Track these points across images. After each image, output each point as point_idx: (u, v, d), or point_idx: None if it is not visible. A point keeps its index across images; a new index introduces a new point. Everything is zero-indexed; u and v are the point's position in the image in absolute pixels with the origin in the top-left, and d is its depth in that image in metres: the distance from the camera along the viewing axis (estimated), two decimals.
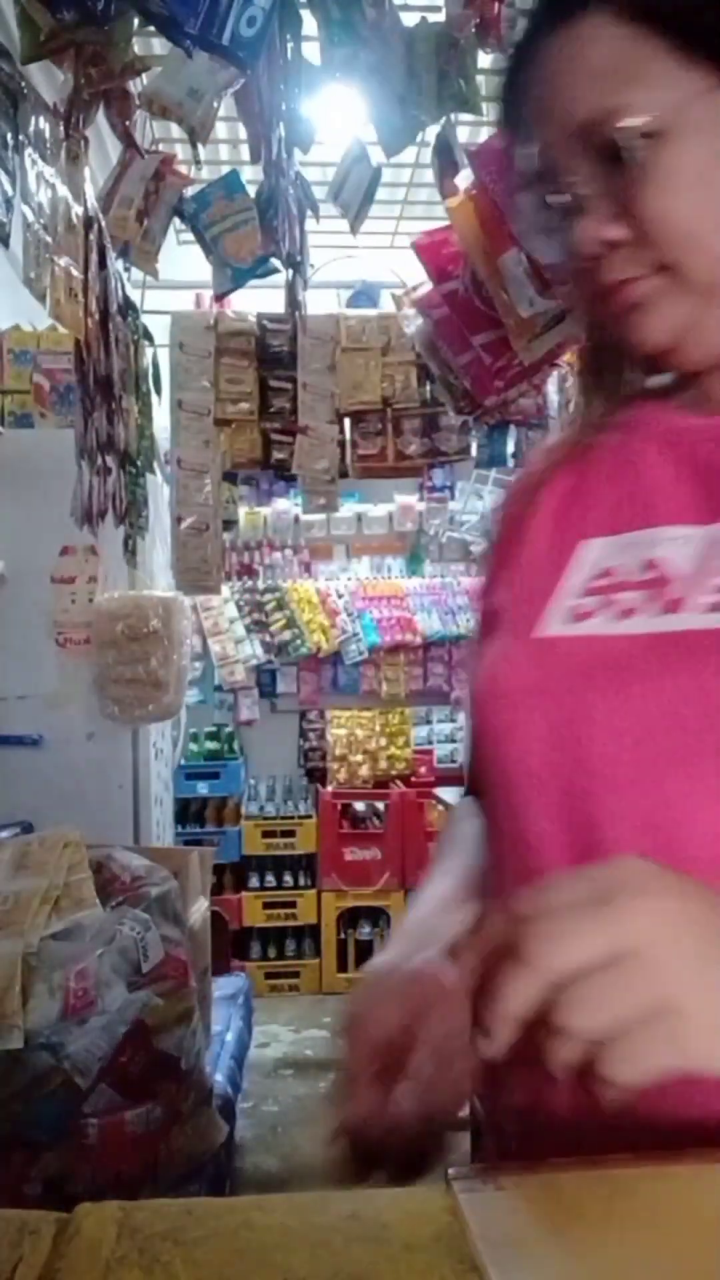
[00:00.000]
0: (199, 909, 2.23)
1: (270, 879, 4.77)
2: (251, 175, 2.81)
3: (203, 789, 4.90)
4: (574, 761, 0.60)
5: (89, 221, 2.32)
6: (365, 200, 2.66)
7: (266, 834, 4.76)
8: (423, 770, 5.01)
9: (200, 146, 2.30)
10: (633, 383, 0.73)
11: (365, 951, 4.60)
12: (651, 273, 0.61)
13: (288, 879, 4.78)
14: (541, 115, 0.62)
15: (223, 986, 2.84)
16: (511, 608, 0.69)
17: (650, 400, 0.72)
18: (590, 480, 0.71)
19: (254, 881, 4.76)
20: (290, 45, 2.08)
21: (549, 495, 0.72)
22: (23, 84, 1.85)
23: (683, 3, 0.60)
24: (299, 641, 5.09)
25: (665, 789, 0.57)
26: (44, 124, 1.96)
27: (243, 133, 2.61)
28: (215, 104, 2.19)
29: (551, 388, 3.62)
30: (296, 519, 5.17)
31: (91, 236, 2.34)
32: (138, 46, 2.11)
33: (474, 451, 4.03)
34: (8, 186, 1.76)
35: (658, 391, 0.72)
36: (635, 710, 0.59)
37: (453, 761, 5.08)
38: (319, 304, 3.83)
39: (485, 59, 2.41)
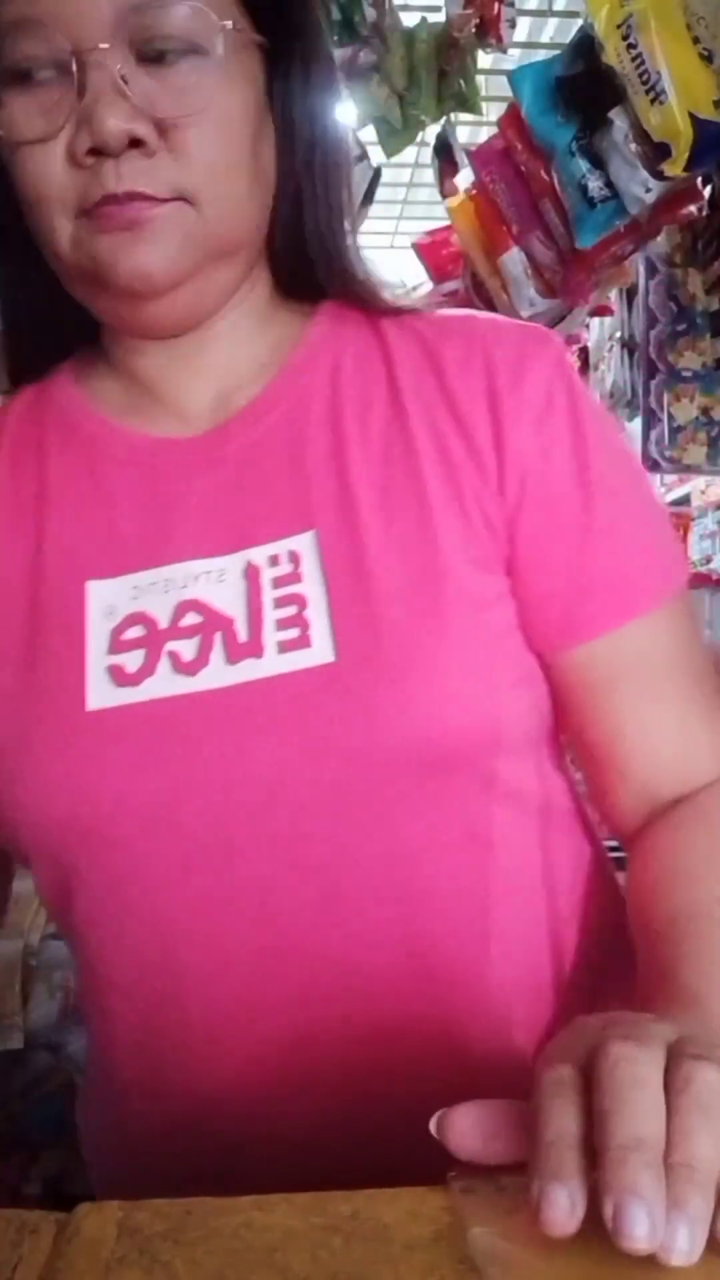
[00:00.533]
0: None
1: None
2: None
3: None
4: (207, 827, 0.55)
5: None
6: (365, 200, 2.67)
7: None
8: None
9: None
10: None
11: None
12: (168, 195, 0.54)
13: None
14: None
15: None
16: (19, 668, 0.59)
17: (70, 390, 0.65)
18: (51, 506, 0.62)
19: None
20: None
21: None
22: None
23: None
24: None
25: (319, 839, 0.55)
26: None
27: None
28: None
29: None
30: None
31: None
32: None
33: None
34: None
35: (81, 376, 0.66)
36: (257, 768, 0.55)
37: None
38: None
39: (485, 59, 2.42)
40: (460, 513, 0.58)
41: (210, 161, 0.55)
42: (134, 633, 0.58)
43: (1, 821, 0.60)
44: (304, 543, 0.58)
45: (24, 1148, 1.50)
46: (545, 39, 3.21)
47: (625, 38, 1.41)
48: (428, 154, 2.58)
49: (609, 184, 1.56)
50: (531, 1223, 0.36)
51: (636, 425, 2.54)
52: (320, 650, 0.55)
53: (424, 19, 2.28)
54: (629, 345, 2.60)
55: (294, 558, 0.58)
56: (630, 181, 1.51)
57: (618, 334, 2.69)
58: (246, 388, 0.62)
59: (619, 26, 1.42)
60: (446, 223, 2.43)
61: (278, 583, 0.58)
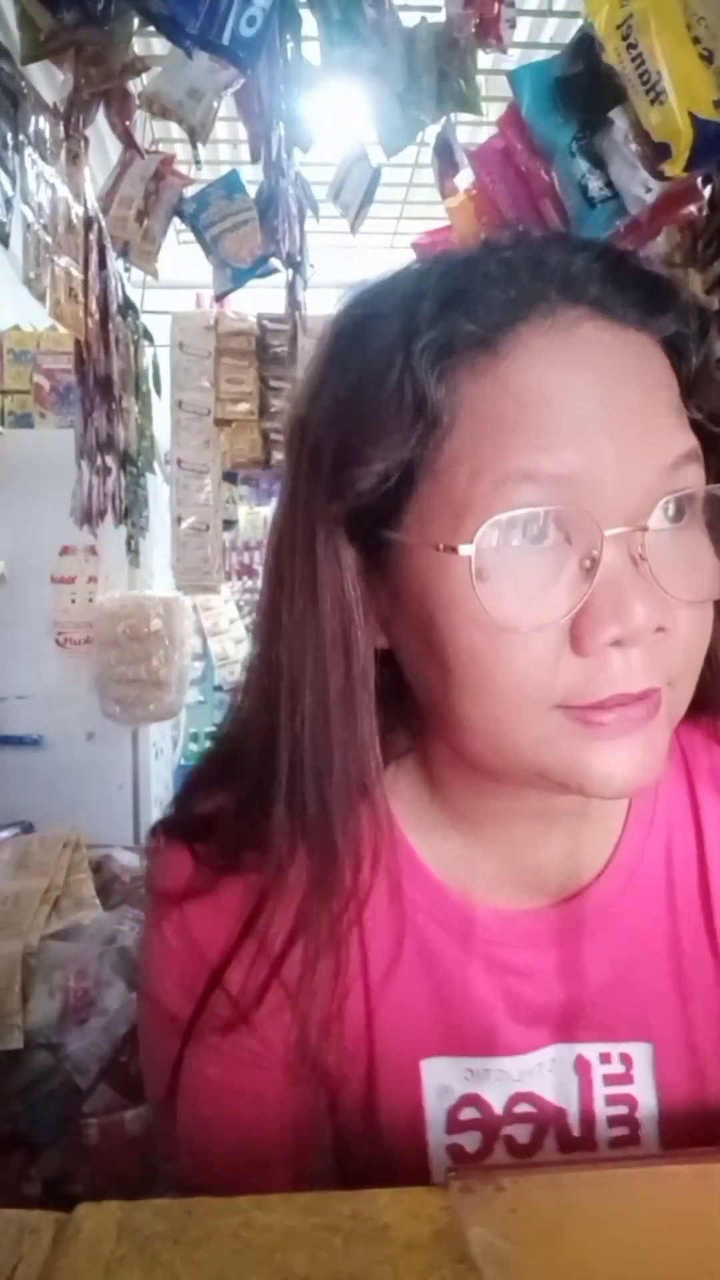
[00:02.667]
0: None
1: None
2: (251, 175, 2.81)
3: None
4: None
5: (89, 221, 2.32)
6: (365, 200, 2.66)
7: None
8: None
9: (200, 146, 2.30)
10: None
11: None
12: (662, 686, 0.47)
13: None
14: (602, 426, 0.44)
15: None
16: (368, 1122, 0.58)
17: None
18: (422, 950, 0.57)
19: None
20: (290, 45, 2.08)
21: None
22: (23, 84, 1.85)
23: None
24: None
25: None
26: (44, 124, 1.96)
27: (243, 133, 2.61)
28: (215, 104, 2.19)
29: None
30: None
31: (91, 236, 2.34)
32: (138, 46, 2.11)
33: None
34: (8, 186, 1.76)
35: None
36: None
37: None
38: (319, 304, 3.83)
39: (485, 59, 2.41)
40: None
41: (697, 645, 0.48)
42: (469, 1114, 0.57)
43: None
44: (639, 1051, 0.57)
45: (24, 1148, 1.50)
46: (545, 39, 3.20)
47: (625, 38, 1.41)
48: (428, 154, 2.57)
49: (609, 184, 1.56)
50: (531, 1223, 0.36)
51: None
52: (648, 1144, 0.55)
53: (424, 19, 2.28)
54: None
55: (626, 1060, 0.57)
56: (630, 181, 1.51)
57: None
58: (591, 860, 0.57)
59: (619, 26, 1.42)
60: (446, 223, 2.43)
61: (609, 1080, 0.56)
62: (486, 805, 0.55)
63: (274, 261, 2.78)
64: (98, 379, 2.61)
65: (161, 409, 3.71)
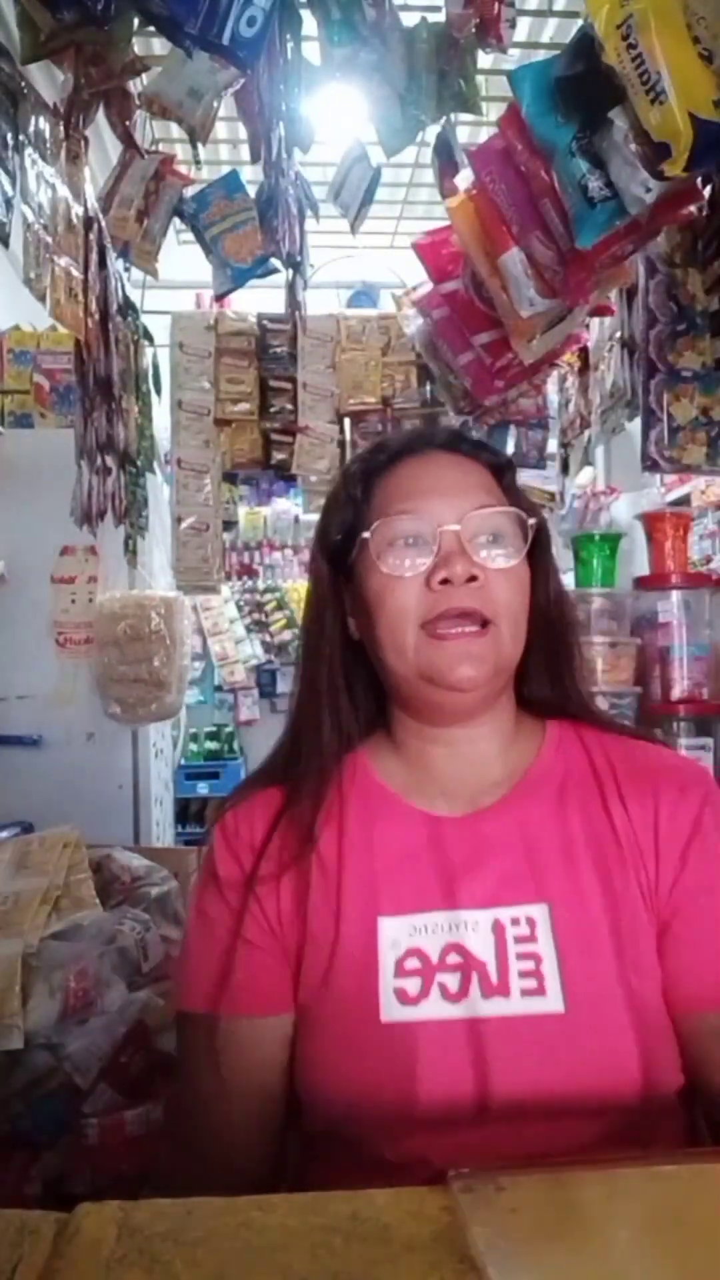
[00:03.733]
0: None
1: None
2: (251, 175, 2.81)
3: (203, 789, 4.89)
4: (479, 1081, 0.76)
5: (89, 221, 2.32)
6: (365, 200, 2.66)
7: None
8: None
9: (200, 146, 2.30)
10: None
11: None
12: (487, 616, 0.84)
13: None
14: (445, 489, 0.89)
15: None
16: (328, 980, 0.82)
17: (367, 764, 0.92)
18: (349, 854, 0.86)
19: None
20: (290, 45, 2.08)
21: (327, 844, 0.87)
22: (23, 84, 1.85)
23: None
24: (299, 641, 5.08)
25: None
26: (44, 124, 1.96)
27: (243, 133, 2.61)
28: (215, 104, 2.19)
29: (551, 388, 3.61)
30: (296, 519, 5.17)
31: (91, 236, 2.34)
32: (138, 46, 2.11)
33: None
34: (8, 186, 1.76)
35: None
36: (505, 1087, 0.75)
37: None
38: (319, 304, 3.83)
39: (485, 59, 2.41)
40: (639, 892, 0.83)
41: (508, 600, 0.85)
42: (412, 963, 0.80)
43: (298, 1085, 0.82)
44: (539, 912, 0.81)
45: (24, 1148, 1.50)
46: (545, 39, 3.21)
47: (625, 38, 1.41)
48: (428, 154, 2.57)
49: (609, 184, 1.56)
50: (531, 1223, 0.36)
51: (636, 425, 2.54)
52: (553, 1001, 0.78)
53: (424, 19, 2.28)
54: (629, 345, 2.59)
55: (530, 922, 0.81)
56: (630, 181, 1.50)
57: (618, 334, 2.69)
58: (498, 786, 0.88)
59: (619, 26, 1.41)
60: (446, 223, 2.43)
61: (519, 940, 0.80)
62: (419, 745, 0.90)
63: (274, 261, 2.78)
64: (98, 379, 2.61)
65: (161, 409, 3.71)
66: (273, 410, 3.93)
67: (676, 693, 2.07)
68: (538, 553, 0.90)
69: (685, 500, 3.90)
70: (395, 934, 0.81)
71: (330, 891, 0.84)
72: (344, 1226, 0.40)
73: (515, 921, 0.80)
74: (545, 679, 0.93)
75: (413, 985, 0.79)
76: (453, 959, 0.80)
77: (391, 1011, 0.78)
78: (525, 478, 3.25)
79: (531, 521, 0.89)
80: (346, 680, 0.93)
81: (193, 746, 5.06)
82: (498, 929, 0.80)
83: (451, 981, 0.79)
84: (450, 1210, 0.40)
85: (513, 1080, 0.75)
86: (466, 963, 0.79)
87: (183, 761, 4.86)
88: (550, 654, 0.93)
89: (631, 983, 0.79)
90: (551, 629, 0.92)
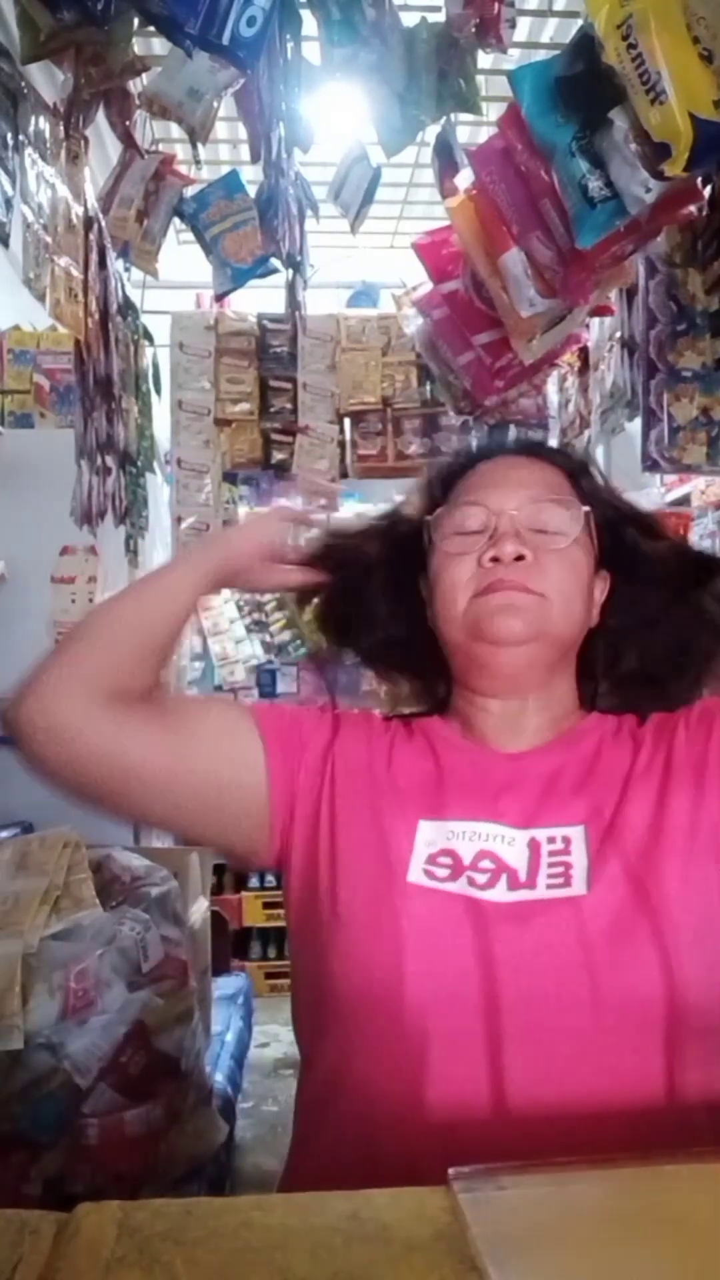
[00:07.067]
0: (199, 909, 2.23)
1: (271, 879, 4.75)
2: (251, 175, 2.81)
3: None
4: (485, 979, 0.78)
5: (89, 221, 2.32)
6: (365, 200, 2.66)
7: None
8: None
9: (200, 146, 2.30)
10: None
11: None
12: (535, 589, 0.89)
13: None
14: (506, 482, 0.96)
15: (223, 986, 2.83)
16: (367, 848, 0.87)
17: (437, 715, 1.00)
18: (437, 763, 0.92)
19: (254, 881, 4.75)
20: (290, 45, 2.08)
21: (396, 760, 0.93)
22: (23, 84, 1.85)
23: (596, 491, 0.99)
24: (299, 641, 5.09)
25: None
26: (44, 124, 1.96)
27: (243, 133, 2.61)
28: (215, 104, 2.19)
29: (551, 388, 3.62)
30: None
31: (91, 236, 2.34)
32: (138, 46, 2.11)
33: None
34: (8, 186, 1.76)
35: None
36: (526, 950, 0.78)
37: None
38: (319, 304, 3.83)
39: (485, 59, 2.41)
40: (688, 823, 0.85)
41: (558, 578, 0.90)
42: (444, 860, 0.84)
43: (315, 946, 0.85)
44: (575, 832, 0.85)
45: (24, 1148, 1.50)
46: (545, 39, 3.20)
47: (625, 38, 1.41)
48: (428, 154, 2.57)
49: (609, 184, 1.56)
50: (531, 1223, 0.36)
51: (636, 425, 2.54)
52: (577, 886, 0.81)
53: (424, 19, 2.28)
54: (629, 345, 2.59)
55: (566, 840, 0.85)
56: (630, 181, 1.50)
57: (618, 334, 2.69)
58: (544, 746, 0.93)
59: (619, 26, 1.41)
60: (446, 223, 2.43)
61: (552, 853, 0.84)
62: (472, 712, 0.96)
63: (274, 261, 2.78)
64: (98, 379, 2.61)
65: (161, 409, 3.71)
66: (273, 410, 3.93)
67: None
68: (639, 563, 0.96)
69: (685, 500, 3.89)
70: (432, 835, 0.85)
71: (375, 798, 0.89)
72: (344, 1226, 0.40)
73: (551, 840, 0.85)
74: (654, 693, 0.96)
75: (442, 871, 0.83)
76: (485, 864, 0.83)
77: (418, 877, 0.83)
78: None
79: (585, 512, 0.93)
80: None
81: None
82: (533, 845, 0.84)
83: (480, 877, 0.83)
84: (450, 1210, 0.40)
85: (528, 968, 0.77)
86: (498, 867, 0.83)
87: None
88: (675, 669, 0.96)
89: (664, 886, 0.80)
90: (621, 629, 0.96)
